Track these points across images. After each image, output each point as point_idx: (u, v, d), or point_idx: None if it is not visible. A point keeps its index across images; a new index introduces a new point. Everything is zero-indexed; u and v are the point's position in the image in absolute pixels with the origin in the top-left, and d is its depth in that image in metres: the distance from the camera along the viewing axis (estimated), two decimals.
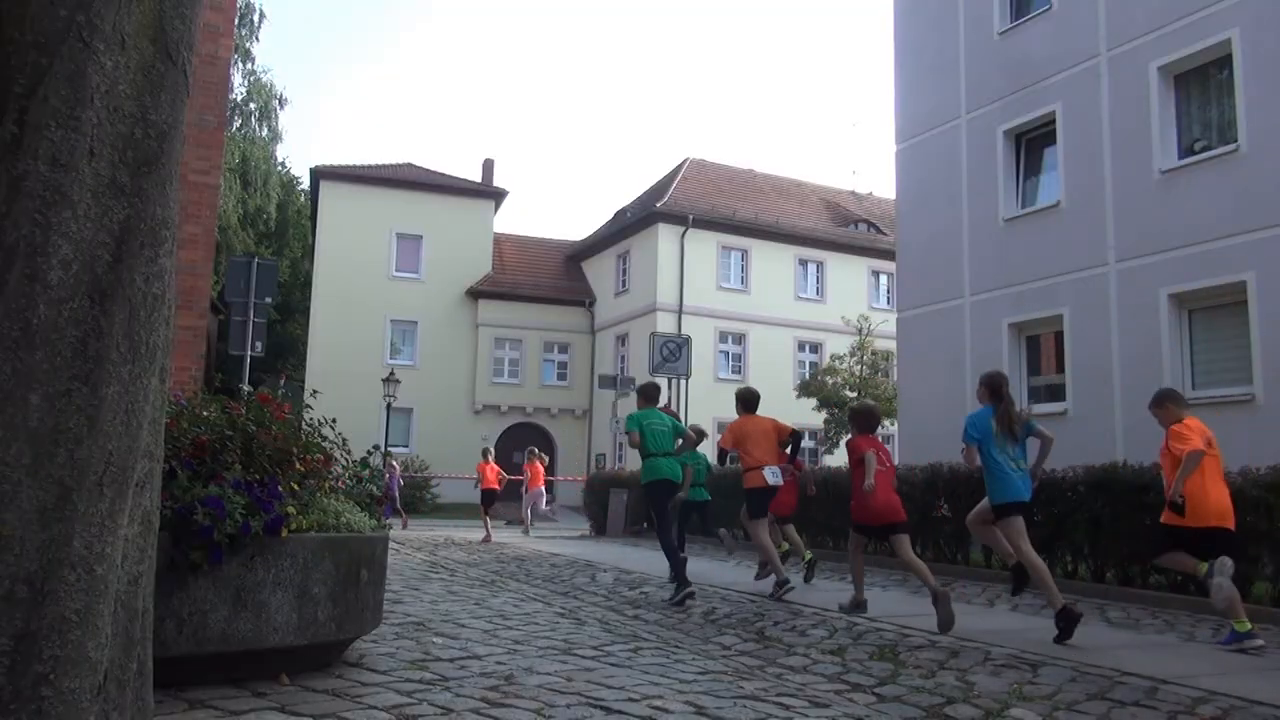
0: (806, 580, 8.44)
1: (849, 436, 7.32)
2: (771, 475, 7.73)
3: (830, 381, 25.74)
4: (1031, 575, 5.82)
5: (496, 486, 16.51)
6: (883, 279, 31.67)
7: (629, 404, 23.70)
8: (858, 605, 6.52)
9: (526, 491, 17.76)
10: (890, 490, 6.55)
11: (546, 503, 21.03)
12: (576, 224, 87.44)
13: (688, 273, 29.18)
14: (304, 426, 4.65)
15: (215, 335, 24.90)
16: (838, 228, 32.97)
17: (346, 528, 4.19)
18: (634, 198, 35.25)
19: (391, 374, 26.42)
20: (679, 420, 8.59)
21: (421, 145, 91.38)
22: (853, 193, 37.30)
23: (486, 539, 14.43)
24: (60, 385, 1.75)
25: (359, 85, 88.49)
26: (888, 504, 6.43)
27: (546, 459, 19.44)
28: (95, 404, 1.79)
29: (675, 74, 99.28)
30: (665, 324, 27.23)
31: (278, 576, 3.73)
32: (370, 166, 33.69)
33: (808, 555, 8.66)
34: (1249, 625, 5.48)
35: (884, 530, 6.56)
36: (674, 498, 8.12)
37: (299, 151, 75.78)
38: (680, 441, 7.76)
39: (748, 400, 8.25)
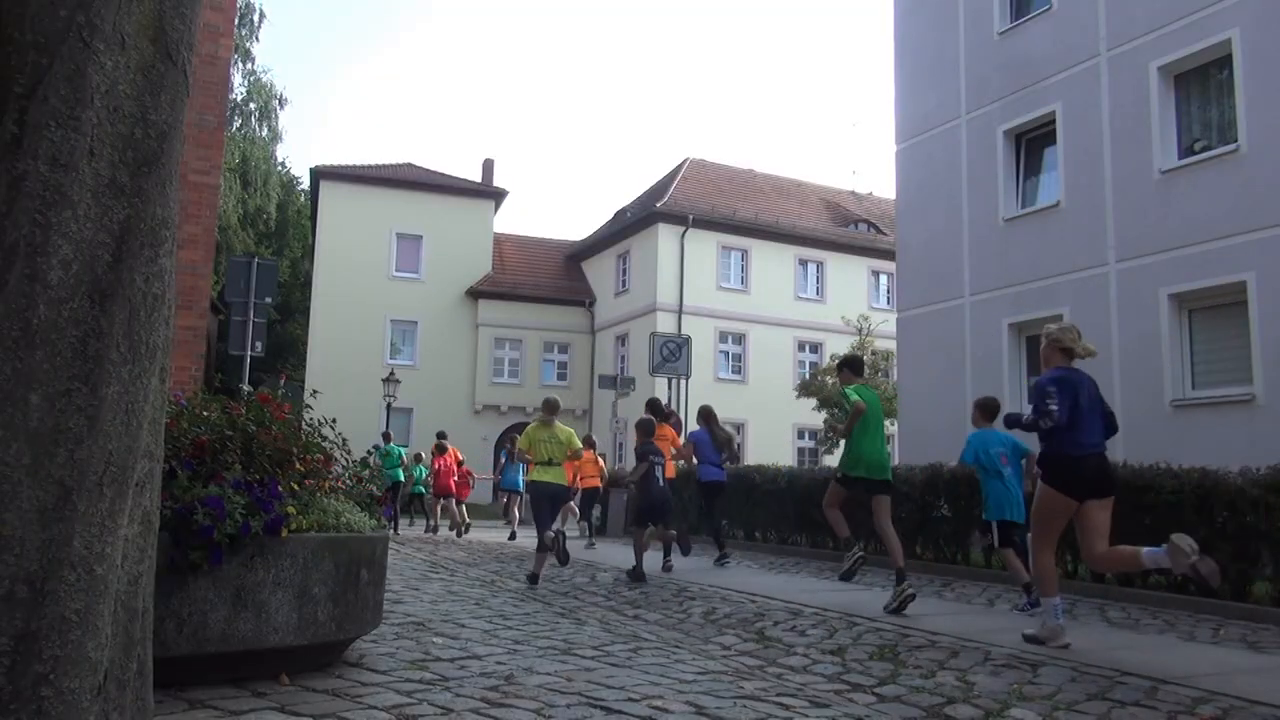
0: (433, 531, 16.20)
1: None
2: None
3: (830, 381, 25.72)
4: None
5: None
6: (883, 279, 31.67)
7: (629, 404, 23.77)
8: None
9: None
10: None
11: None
12: (576, 224, 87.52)
13: (688, 273, 29.17)
14: (304, 426, 4.65)
15: (215, 335, 24.91)
16: (838, 228, 32.96)
17: (346, 528, 4.19)
18: (634, 198, 35.25)
19: (391, 374, 26.41)
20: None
21: (421, 145, 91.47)
22: (853, 193, 37.29)
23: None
24: (60, 385, 1.75)
25: (359, 85, 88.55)
26: None
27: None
28: (95, 404, 1.79)
29: (675, 74, 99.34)
30: (665, 324, 27.22)
31: (278, 576, 3.73)
32: (370, 166, 33.68)
33: (465, 525, 15.83)
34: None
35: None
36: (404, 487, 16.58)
37: (299, 151, 75.87)
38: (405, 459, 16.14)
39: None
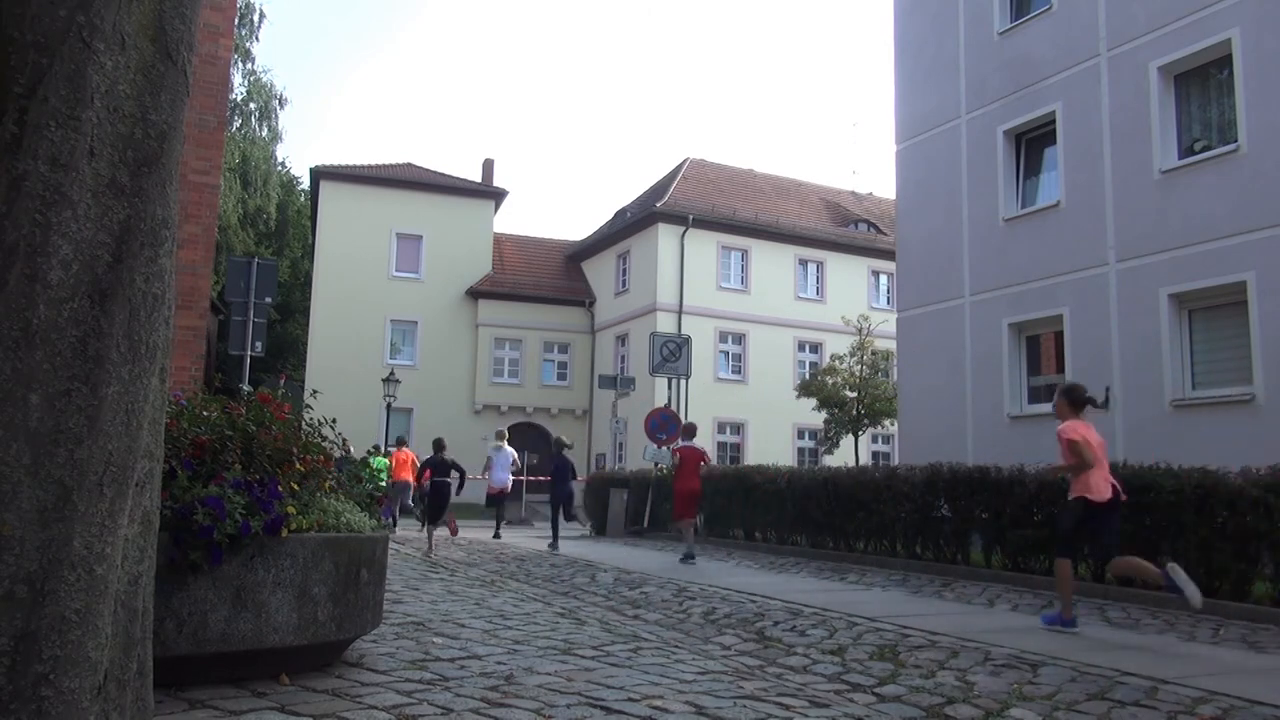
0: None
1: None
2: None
3: (830, 381, 25.73)
4: None
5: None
6: (883, 279, 31.67)
7: (629, 404, 23.73)
8: None
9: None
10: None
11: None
12: (576, 224, 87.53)
13: (688, 273, 29.17)
14: (304, 426, 4.64)
15: (215, 335, 24.90)
16: (838, 228, 32.96)
17: (346, 528, 4.18)
18: (634, 198, 35.26)
19: (391, 374, 26.42)
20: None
21: (421, 145, 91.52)
22: (853, 193, 37.29)
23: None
24: (60, 385, 1.75)
25: (359, 85, 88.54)
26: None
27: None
28: (95, 404, 1.79)
29: (675, 74, 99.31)
30: (665, 324, 27.23)
31: (278, 576, 3.73)
32: (370, 166, 33.68)
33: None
34: None
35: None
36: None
37: (299, 151, 75.94)
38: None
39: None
